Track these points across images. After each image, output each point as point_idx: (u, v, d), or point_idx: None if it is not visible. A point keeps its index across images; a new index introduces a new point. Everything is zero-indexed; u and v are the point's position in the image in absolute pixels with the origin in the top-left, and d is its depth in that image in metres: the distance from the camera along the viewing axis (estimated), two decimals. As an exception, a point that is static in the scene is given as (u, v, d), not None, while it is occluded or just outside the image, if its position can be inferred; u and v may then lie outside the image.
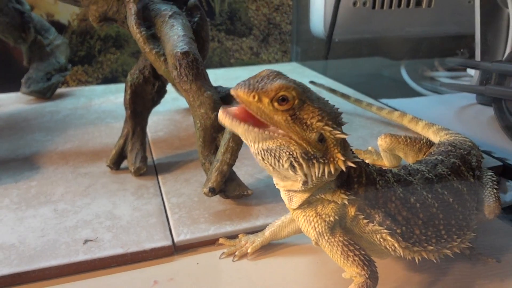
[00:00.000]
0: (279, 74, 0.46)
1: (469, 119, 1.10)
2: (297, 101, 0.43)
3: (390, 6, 1.44)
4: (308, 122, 0.43)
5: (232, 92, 0.44)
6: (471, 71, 1.39)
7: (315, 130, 0.43)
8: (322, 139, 0.44)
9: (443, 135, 0.78)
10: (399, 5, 1.44)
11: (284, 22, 1.71)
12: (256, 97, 0.43)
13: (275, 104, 0.43)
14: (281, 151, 0.44)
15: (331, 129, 0.44)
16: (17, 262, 0.57)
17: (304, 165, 0.44)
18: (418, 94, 1.36)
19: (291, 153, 0.44)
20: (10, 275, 0.55)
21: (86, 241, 0.61)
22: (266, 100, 0.43)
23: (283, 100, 0.43)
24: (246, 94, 0.43)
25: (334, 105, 0.47)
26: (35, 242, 0.61)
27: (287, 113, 0.43)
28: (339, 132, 0.44)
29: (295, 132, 0.43)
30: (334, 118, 0.45)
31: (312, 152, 0.44)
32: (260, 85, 0.43)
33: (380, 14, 1.46)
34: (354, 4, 1.40)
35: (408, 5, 1.45)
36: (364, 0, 1.41)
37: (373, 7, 1.43)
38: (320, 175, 0.45)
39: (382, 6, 1.43)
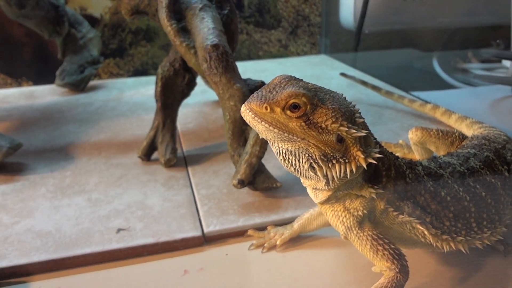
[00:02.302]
0: (290, 80, 0.46)
1: (504, 112, 1.07)
2: (309, 106, 0.43)
3: (423, -4, 1.41)
4: (323, 125, 0.43)
5: (244, 107, 0.44)
6: (506, 63, 1.35)
7: (332, 132, 0.43)
8: (340, 139, 0.44)
9: (477, 129, 0.76)
10: (432, -5, 1.41)
11: (313, 14, 1.70)
12: (268, 108, 0.43)
13: (288, 112, 0.43)
14: (300, 153, 0.44)
15: (347, 129, 0.43)
16: (54, 249, 0.59)
17: (324, 167, 0.44)
18: (450, 87, 1.34)
19: (310, 155, 0.44)
20: (47, 261, 0.57)
21: (119, 230, 0.62)
22: (278, 110, 0.43)
23: (294, 107, 0.43)
24: (258, 106, 0.44)
25: (350, 102, 0.47)
26: (70, 230, 0.63)
27: (301, 120, 0.43)
28: (355, 131, 0.44)
29: (311, 136, 0.43)
30: (349, 117, 0.44)
31: (331, 154, 0.44)
32: (271, 95, 0.44)
33: (412, 5, 1.43)
34: (385, -6, 1.38)
35: (441, -5, 1.42)
36: (395, -9, 1.38)
37: (405, -3, 1.41)
38: (341, 175, 0.45)
39: (414, -3, 1.41)
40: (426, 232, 0.48)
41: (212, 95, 1.17)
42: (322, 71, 1.45)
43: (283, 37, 1.70)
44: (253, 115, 0.44)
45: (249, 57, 1.68)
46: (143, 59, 1.57)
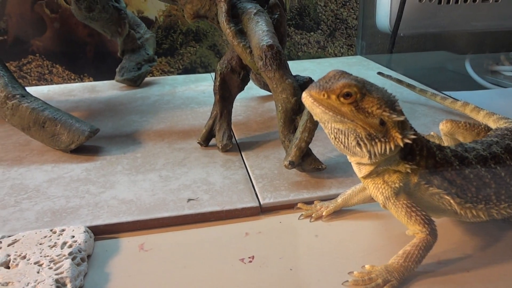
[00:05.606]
0: (343, 74, 0.57)
1: (531, 111, 1.13)
2: (359, 95, 0.54)
3: (456, 1, 1.48)
4: (369, 110, 0.54)
5: (305, 93, 0.55)
6: (537, 65, 1.41)
7: (376, 116, 0.54)
8: (382, 122, 0.54)
9: (502, 123, 0.84)
10: (465, 0, 1.48)
11: (350, 18, 1.79)
12: (326, 95, 0.54)
13: (341, 99, 0.54)
14: (349, 133, 0.55)
15: (389, 114, 0.54)
16: (137, 212, 0.71)
17: (368, 144, 0.55)
18: (481, 88, 1.39)
19: (357, 134, 0.54)
20: (133, 221, 0.69)
21: (189, 199, 0.74)
22: (333, 97, 0.54)
23: (347, 95, 0.53)
24: (317, 93, 0.54)
25: (391, 94, 0.57)
26: (148, 199, 0.75)
27: (351, 105, 0.54)
28: (395, 116, 0.54)
29: (359, 119, 0.54)
30: (390, 104, 0.55)
31: (374, 133, 0.54)
32: (328, 85, 0.55)
33: (446, 9, 1.50)
34: (420, -1, 1.46)
35: (474, 0, 1.48)
36: (430, -4, 1.46)
37: (439, 2, 1.48)
38: (382, 151, 0.55)
39: (448, 1, 1.48)
40: (452, 201, 0.58)
41: (257, 91, 1.28)
42: (359, 71, 1.54)
43: (321, 39, 1.80)
44: (312, 100, 0.55)
45: (289, 57, 1.78)
46: (191, 58, 1.70)
